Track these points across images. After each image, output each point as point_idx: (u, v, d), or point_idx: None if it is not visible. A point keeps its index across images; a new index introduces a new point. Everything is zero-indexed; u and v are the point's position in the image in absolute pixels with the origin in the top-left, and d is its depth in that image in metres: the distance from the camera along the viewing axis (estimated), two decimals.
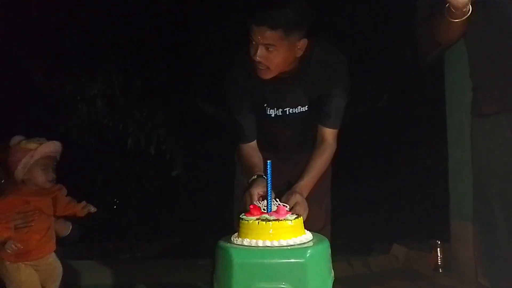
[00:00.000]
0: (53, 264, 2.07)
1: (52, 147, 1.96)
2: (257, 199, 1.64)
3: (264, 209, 1.53)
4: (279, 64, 1.76)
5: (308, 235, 1.48)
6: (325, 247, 1.46)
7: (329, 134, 1.88)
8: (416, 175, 3.50)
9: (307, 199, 1.72)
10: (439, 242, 2.97)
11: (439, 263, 2.98)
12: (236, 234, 1.50)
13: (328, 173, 2.05)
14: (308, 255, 1.37)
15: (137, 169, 4.14)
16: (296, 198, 1.66)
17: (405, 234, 3.28)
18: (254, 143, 1.93)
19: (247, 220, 1.46)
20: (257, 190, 1.67)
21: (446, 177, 2.94)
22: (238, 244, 1.43)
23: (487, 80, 1.59)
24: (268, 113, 1.92)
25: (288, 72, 1.83)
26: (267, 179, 1.51)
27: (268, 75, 1.79)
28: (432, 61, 1.97)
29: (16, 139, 1.99)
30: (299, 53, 1.78)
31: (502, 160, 1.57)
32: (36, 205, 1.96)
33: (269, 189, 1.51)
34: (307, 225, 1.52)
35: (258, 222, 1.43)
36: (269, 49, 1.71)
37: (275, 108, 1.91)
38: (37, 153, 1.90)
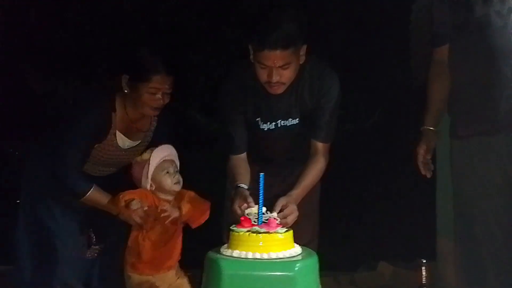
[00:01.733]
0: None
1: (164, 151, 1.87)
2: (242, 213, 1.65)
3: (255, 221, 1.54)
4: (292, 76, 1.81)
5: (297, 249, 1.50)
6: (313, 261, 1.47)
7: (321, 147, 1.93)
8: (404, 194, 3.53)
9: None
10: (424, 261, 2.98)
11: (424, 282, 2.99)
12: (226, 245, 1.51)
13: (317, 189, 2.08)
14: (297, 268, 1.39)
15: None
16: (292, 208, 1.68)
17: (392, 252, 3.29)
18: (244, 155, 1.97)
19: (238, 232, 1.47)
20: (238, 205, 1.69)
21: (433, 196, 2.98)
22: (228, 256, 1.45)
23: (463, 104, 1.66)
24: (261, 127, 1.95)
25: None
26: (259, 191, 1.52)
27: (282, 89, 1.83)
28: (424, 81, 2.03)
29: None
30: (303, 60, 1.83)
31: (478, 180, 1.62)
32: (160, 213, 1.82)
33: (260, 201, 1.52)
34: (295, 239, 1.54)
35: (249, 234, 1.44)
36: (284, 67, 1.75)
37: (268, 122, 1.95)
38: (153, 160, 1.83)
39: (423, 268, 2.95)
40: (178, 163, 1.91)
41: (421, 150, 1.75)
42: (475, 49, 1.59)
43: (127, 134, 1.99)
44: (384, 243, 3.38)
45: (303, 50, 1.80)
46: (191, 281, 1.90)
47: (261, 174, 1.54)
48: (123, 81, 1.90)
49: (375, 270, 3.24)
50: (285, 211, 1.65)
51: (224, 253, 1.47)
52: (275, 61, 1.72)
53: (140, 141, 2.03)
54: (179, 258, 1.90)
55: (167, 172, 1.84)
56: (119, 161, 2.04)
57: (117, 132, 1.95)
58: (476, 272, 1.66)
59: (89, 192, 1.87)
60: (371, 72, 3.82)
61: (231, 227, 1.52)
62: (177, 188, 1.86)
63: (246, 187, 1.78)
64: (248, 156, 1.98)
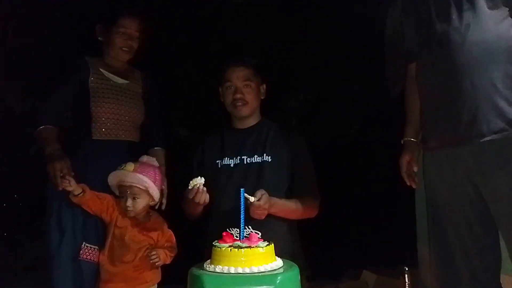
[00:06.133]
0: None
1: (121, 177, 1.85)
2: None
3: (236, 236, 1.56)
4: (253, 99, 2.02)
5: (278, 262, 1.52)
6: (295, 273, 1.49)
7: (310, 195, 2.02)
8: (385, 203, 3.58)
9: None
10: (407, 268, 3.02)
11: None
12: (208, 261, 1.52)
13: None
14: (278, 281, 1.41)
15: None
16: (264, 206, 1.74)
17: (375, 260, 3.33)
18: None
19: (220, 247, 1.48)
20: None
21: (413, 205, 3.03)
22: (211, 271, 1.46)
23: (430, 117, 1.72)
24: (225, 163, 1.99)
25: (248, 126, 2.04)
26: (240, 206, 1.54)
27: (247, 111, 2.01)
28: (399, 91, 2.09)
29: (142, 158, 1.95)
30: (263, 96, 2.07)
31: (449, 190, 1.67)
32: (119, 229, 1.84)
33: (242, 216, 1.54)
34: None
35: (231, 249, 1.46)
36: (245, 84, 1.99)
37: (233, 157, 1.99)
38: (109, 178, 1.87)
39: (406, 275, 3.01)
40: (140, 187, 1.86)
41: (404, 161, 1.79)
42: (437, 64, 1.65)
43: (114, 73, 2.12)
44: (367, 252, 3.42)
45: (263, 87, 2.06)
46: None
47: (242, 189, 1.56)
48: (98, 31, 2.12)
49: (359, 279, 3.28)
50: (258, 195, 1.73)
51: (207, 268, 1.48)
52: (237, 76, 1.98)
53: (128, 81, 2.16)
54: (148, 281, 1.87)
55: (122, 196, 1.87)
56: (122, 101, 2.09)
57: (101, 69, 2.09)
58: (450, 282, 1.70)
59: (43, 127, 1.95)
60: (351, 83, 3.89)
61: (213, 243, 1.53)
62: (130, 214, 1.86)
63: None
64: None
